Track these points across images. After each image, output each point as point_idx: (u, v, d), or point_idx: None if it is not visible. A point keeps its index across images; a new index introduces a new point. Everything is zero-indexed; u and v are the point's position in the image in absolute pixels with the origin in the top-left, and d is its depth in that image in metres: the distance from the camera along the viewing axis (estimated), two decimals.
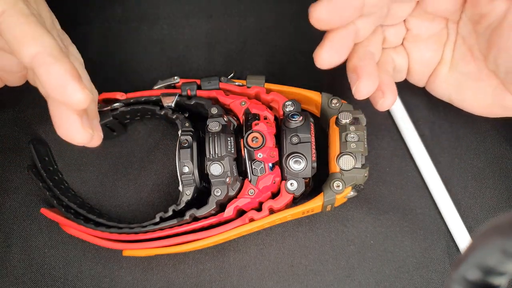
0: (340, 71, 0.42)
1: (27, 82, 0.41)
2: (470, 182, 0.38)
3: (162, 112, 0.36)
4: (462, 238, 0.36)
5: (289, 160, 0.33)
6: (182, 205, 0.33)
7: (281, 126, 0.34)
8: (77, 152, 0.39)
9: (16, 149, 0.39)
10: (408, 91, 0.40)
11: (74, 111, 0.28)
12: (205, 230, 0.34)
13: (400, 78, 0.37)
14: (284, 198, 0.33)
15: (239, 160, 0.34)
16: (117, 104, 0.36)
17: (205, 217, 0.34)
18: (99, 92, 0.38)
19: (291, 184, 0.33)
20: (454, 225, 0.37)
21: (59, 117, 0.28)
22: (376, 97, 0.33)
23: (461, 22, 0.33)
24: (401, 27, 0.34)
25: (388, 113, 0.40)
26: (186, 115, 0.36)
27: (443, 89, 0.36)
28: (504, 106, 0.33)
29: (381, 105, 0.34)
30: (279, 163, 0.34)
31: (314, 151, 0.33)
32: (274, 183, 0.33)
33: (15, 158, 0.39)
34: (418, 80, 0.37)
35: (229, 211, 0.33)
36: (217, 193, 0.33)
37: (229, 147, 0.33)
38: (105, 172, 0.39)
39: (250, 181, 0.33)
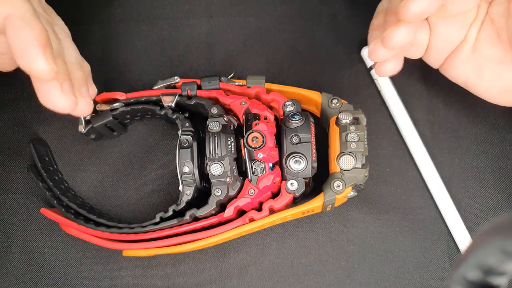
0: (340, 71, 0.42)
1: (26, 84, 0.41)
2: (470, 182, 0.38)
3: (162, 112, 0.36)
4: (462, 238, 0.36)
5: (289, 160, 0.33)
6: (182, 205, 0.33)
7: (281, 126, 0.34)
8: (77, 152, 0.39)
9: (16, 149, 0.39)
10: (409, 91, 0.40)
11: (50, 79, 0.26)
12: (205, 230, 0.34)
13: (416, 55, 0.35)
14: (284, 198, 0.33)
15: (239, 160, 0.34)
16: (117, 104, 0.36)
17: (205, 217, 0.34)
18: (99, 92, 0.38)
19: (291, 184, 0.33)
20: (454, 225, 0.37)
21: (38, 84, 0.27)
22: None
23: (494, 2, 0.32)
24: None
25: (388, 113, 0.40)
26: (186, 115, 0.36)
27: (461, 71, 0.34)
28: None
29: (383, 68, 0.32)
30: (279, 163, 0.34)
31: (314, 151, 0.33)
32: (274, 183, 0.33)
33: (15, 158, 0.39)
34: (435, 59, 0.35)
35: (229, 211, 0.33)
36: (217, 193, 0.33)
37: (229, 147, 0.33)
38: (105, 172, 0.39)
39: (250, 181, 0.33)
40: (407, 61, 0.41)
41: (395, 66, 0.33)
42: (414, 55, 0.35)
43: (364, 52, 0.41)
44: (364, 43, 0.41)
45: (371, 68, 0.40)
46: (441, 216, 0.37)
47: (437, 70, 0.40)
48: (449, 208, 0.37)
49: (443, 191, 0.37)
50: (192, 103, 0.35)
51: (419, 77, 0.41)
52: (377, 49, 0.31)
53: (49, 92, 0.27)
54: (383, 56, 0.31)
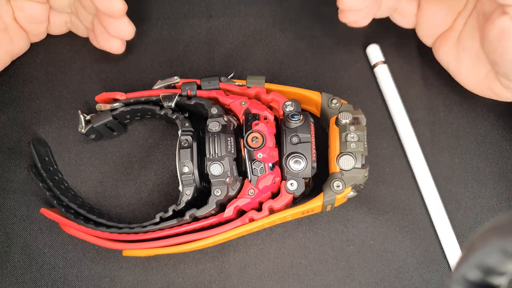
0: (340, 71, 0.42)
1: (26, 84, 0.41)
2: (470, 182, 0.38)
3: (162, 112, 0.36)
4: (450, 246, 0.36)
5: (289, 160, 0.33)
6: (182, 205, 0.33)
7: (281, 126, 0.34)
8: (77, 152, 0.39)
9: (16, 149, 0.39)
10: (409, 91, 0.40)
11: None
12: (205, 230, 0.34)
13: (404, 24, 0.39)
14: (284, 198, 0.33)
15: (239, 160, 0.34)
16: (117, 104, 0.36)
17: (205, 217, 0.34)
18: (99, 92, 0.38)
19: (291, 184, 0.33)
20: (443, 234, 0.37)
21: (110, 21, 0.35)
22: None
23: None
24: None
25: (388, 114, 0.40)
26: (186, 115, 0.36)
27: (445, 57, 0.37)
28: (492, 90, 0.35)
29: (345, 15, 0.36)
30: (279, 163, 0.34)
31: (314, 151, 0.33)
32: (274, 183, 0.33)
33: (15, 158, 0.39)
34: (423, 37, 0.38)
35: (229, 211, 0.33)
36: (217, 193, 0.33)
37: (229, 147, 0.33)
38: (105, 172, 0.39)
39: (250, 181, 0.33)
40: (407, 60, 0.41)
41: (356, 17, 0.36)
42: (402, 23, 0.39)
43: (369, 49, 0.41)
44: (367, 42, 0.41)
45: (374, 66, 0.40)
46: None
47: (437, 70, 0.40)
48: (441, 219, 0.37)
49: (435, 198, 0.37)
50: (192, 103, 0.35)
51: (419, 77, 0.41)
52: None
53: (120, 25, 0.35)
54: (349, 6, 0.35)
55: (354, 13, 0.36)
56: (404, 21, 0.39)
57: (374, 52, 0.41)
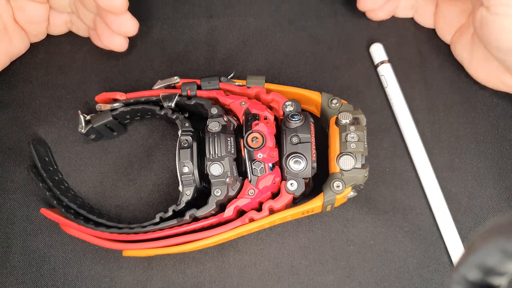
0: (340, 71, 0.42)
1: (26, 84, 0.41)
2: (470, 182, 0.38)
3: (162, 112, 0.36)
4: (454, 244, 0.36)
5: (289, 160, 0.33)
6: (182, 205, 0.33)
7: (281, 126, 0.34)
8: (77, 152, 0.39)
9: (16, 149, 0.39)
10: (409, 91, 0.40)
11: None
12: (205, 230, 0.34)
13: (425, 23, 0.41)
14: (284, 198, 0.33)
15: (239, 160, 0.34)
16: (117, 104, 0.36)
17: (205, 217, 0.34)
18: (99, 92, 0.38)
19: (291, 184, 0.33)
20: (448, 233, 0.37)
21: (112, 18, 0.35)
22: None
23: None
24: None
25: (388, 113, 0.40)
26: (186, 115, 0.36)
27: (460, 50, 0.39)
28: (504, 82, 0.37)
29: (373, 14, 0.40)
30: (279, 163, 0.34)
31: (314, 151, 0.33)
32: (274, 183, 0.33)
33: (15, 158, 0.39)
34: (443, 35, 0.40)
35: (229, 211, 0.33)
36: (217, 193, 0.33)
37: (229, 147, 0.33)
38: (105, 172, 0.39)
39: (250, 181, 0.33)
40: (407, 61, 0.41)
41: (373, 4, 0.39)
42: (424, 23, 0.41)
43: (373, 48, 0.41)
44: (367, 42, 0.41)
45: (377, 65, 0.40)
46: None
47: (436, 71, 0.40)
48: (445, 218, 0.37)
49: (439, 197, 0.37)
50: (192, 103, 0.35)
51: (419, 77, 0.41)
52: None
53: (123, 21, 0.35)
54: (370, 6, 0.39)
55: (371, 0, 0.39)
56: (425, 20, 0.41)
57: (378, 51, 0.41)
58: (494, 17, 0.31)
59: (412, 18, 0.42)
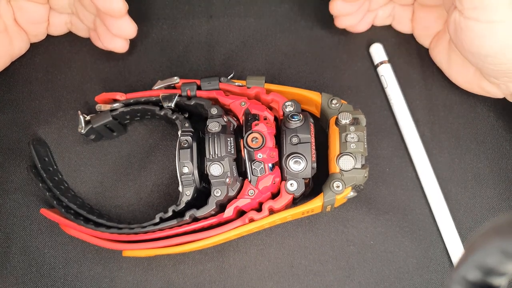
0: (340, 71, 0.42)
1: (26, 84, 0.41)
2: (470, 182, 0.38)
3: (162, 113, 0.36)
4: (454, 245, 0.36)
5: (289, 161, 0.33)
6: (182, 205, 0.33)
7: (281, 127, 0.34)
8: (77, 153, 0.39)
9: (16, 149, 0.39)
10: (409, 91, 0.40)
11: None
12: (205, 231, 0.34)
13: (402, 29, 0.41)
14: (284, 199, 0.33)
15: (239, 161, 0.34)
16: (117, 104, 0.36)
17: (205, 218, 0.34)
18: (99, 92, 0.38)
19: (291, 184, 0.33)
20: (447, 233, 0.37)
21: (112, 21, 0.36)
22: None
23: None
24: None
25: (388, 114, 0.40)
26: (186, 115, 0.36)
27: (438, 56, 0.39)
28: (482, 87, 0.37)
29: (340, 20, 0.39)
30: (279, 164, 0.34)
31: (314, 151, 0.33)
32: (274, 183, 0.33)
33: (15, 158, 0.39)
34: (421, 39, 0.40)
35: (229, 212, 0.33)
36: (217, 194, 0.33)
37: (229, 147, 0.33)
38: (104, 172, 0.39)
39: (250, 182, 0.33)
40: (407, 61, 0.41)
41: (350, 22, 0.39)
42: (401, 29, 0.41)
43: (372, 48, 0.41)
44: (367, 42, 0.41)
45: (377, 65, 0.40)
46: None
47: (437, 71, 0.40)
48: (444, 217, 0.37)
49: (439, 198, 0.37)
50: (191, 103, 0.35)
51: (419, 77, 0.41)
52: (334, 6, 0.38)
53: (122, 24, 0.36)
54: (349, 23, 0.39)
55: (347, 18, 0.39)
56: (402, 27, 0.41)
57: (378, 51, 0.41)
58: (467, 22, 0.31)
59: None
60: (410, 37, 0.41)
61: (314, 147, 0.33)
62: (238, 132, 0.35)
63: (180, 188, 0.33)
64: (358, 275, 0.36)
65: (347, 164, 0.33)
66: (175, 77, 0.37)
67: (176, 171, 0.33)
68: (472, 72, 0.36)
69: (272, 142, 0.33)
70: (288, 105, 0.35)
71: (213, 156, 0.32)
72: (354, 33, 0.42)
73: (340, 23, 0.39)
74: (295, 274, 0.37)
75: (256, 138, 0.33)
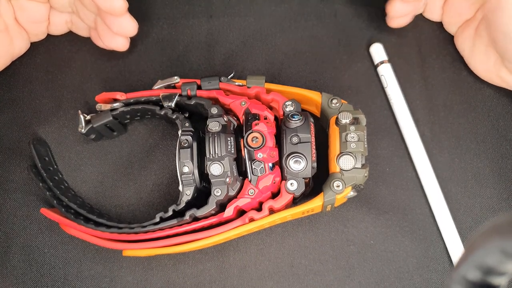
0: (340, 71, 0.42)
1: (26, 84, 0.41)
2: (470, 182, 0.38)
3: (162, 112, 0.36)
4: (453, 244, 0.36)
5: (289, 160, 0.33)
6: (182, 205, 0.33)
7: (281, 126, 0.34)
8: (77, 152, 0.39)
9: (16, 149, 0.39)
10: (409, 91, 0.40)
11: None
12: (205, 230, 0.34)
13: (432, 17, 0.42)
14: (284, 198, 0.33)
15: (239, 160, 0.34)
16: (117, 104, 0.36)
17: (205, 217, 0.34)
18: (99, 92, 0.38)
19: (291, 184, 0.33)
20: (447, 232, 0.37)
21: (112, 19, 0.36)
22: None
23: None
24: None
25: (388, 113, 0.40)
26: (186, 115, 0.36)
27: (463, 43, 0.40)
28: (500, 76, 0.38)
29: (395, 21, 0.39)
30: (279, 163, 0.34)
31: (314, 151, 0.33)
32: (274, 183, 0.33)
33: (15, 158, 0.39)
34: (449, 26, 0.41)
35: (229, 211, 0.33)
36: (217, 193, 0.33)
37: (229, 147, 0.33)
38: (105, 172, 0.39)
39: (250, 181, 0.33)
40: (407, 61, 0.41)
41: (404, 21, 0.40)
42: (431, 16, 0.42)
43: (373, 48, 0.41)
44: (367, 42, 0.41)
45: (377, 65, 0.40)
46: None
47: (437, 71, 0.40)
48: (444, 217, 0.37)
49: (439, 197, 0.37)
50: (192, 103, 0.35)
51: (419, 77, 0.41)
52: (393, 7, 0.38)
53: (123, 22, 0.36)
54: (397, 13, 0.39)
55: (402, 18, 0.39)
56: (432, 15, 0.41)
57: (378, 51, 0.41)
58: (508, 0, 0.32)
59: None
60: (411, 37, 0.41)
61: (314, 147, 0.33)
62: (238, 132, 0.35)
63: (180, 188, 0.34)
64: (358, 275, 0.36)
65: (347, 163, 0.33)
66: (175, 77, 0.37)
67: (176, 170, 0.33)
68: (493, 61, 0.37)
69: (272, 142, 0.33)
70: (288, 105, 0.35)
71: (213, 155, 0.32)
72: (354, 33, 0.42)
73: (394, 23, 0.39)
74: (295, 273, 0.37)
75: (256, 138, 0.33)
